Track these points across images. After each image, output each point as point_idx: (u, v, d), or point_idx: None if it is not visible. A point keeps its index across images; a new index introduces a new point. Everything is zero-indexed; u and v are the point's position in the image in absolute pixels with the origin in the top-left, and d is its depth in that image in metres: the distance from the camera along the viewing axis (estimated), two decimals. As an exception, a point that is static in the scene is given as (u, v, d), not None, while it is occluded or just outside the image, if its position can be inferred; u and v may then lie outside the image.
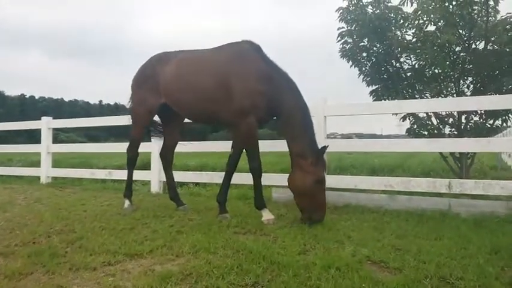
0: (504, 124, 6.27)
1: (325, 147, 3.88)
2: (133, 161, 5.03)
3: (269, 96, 3.99)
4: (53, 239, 3.46)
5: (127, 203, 4.90)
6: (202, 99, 4.27)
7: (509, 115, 6.07)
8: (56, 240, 3.42)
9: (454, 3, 5.78)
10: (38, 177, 8.13)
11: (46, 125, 8.11)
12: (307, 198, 3.84)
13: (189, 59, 4.55)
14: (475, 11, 5.83)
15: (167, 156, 5.13)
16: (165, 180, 6.44)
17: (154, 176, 6.58)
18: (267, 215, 4.07)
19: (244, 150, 4.33)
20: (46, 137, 8.08)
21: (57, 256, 2.97)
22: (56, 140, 8.84)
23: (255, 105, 3.98)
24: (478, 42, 6.03)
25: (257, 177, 4.17)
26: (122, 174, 7.63)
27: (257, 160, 4.11)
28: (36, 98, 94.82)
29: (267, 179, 5.63)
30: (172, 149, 5.14)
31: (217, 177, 6.35)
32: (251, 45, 4.25)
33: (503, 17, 5.90)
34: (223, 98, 4.08)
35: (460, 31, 6.04)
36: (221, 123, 4.62)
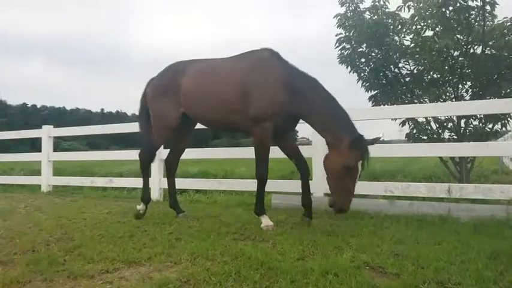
0: (504, 128, 6.27)
1: (362, 136, 3.72)
2: (146, 165, 4.97)
3: (290, 103, 3.95)
4: (52, 247, 3.46)
5: (142, 206, 4.82)
6: (223, 109, 4.24)
7: (509, 119, 6.08)
8: (55, 248, 3.42)
9: (450, 8, 5.82)
10: (39, 186, 8.15)
11: (47, 133, 8.14)
12: (335, 181, 3.74)
13: (210, 69, 4.51)
14: (472, 16, 5.86)
15: (173, 164, 5.09)
16: (164, 187, 6.47)
17: (154, 183, 6.59)
18: (266, 222, 4.07)
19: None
20: (47, 145, 8.11)
21: (55, 264, 2.96)
22: (58, 148, 8.88)
23: (273, 113, 3.96)
24: (476, 46, 6.06)
25: (261, 183, 4.17)
26: (123, 182, 7.69)
27: (264, 167, 4.12)
28: (38, 106, 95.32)
29: (266, 185, 5.65)
30: (179, 156, 5.11)
31: (217, 184, 6.39)
32: (270, 52, 4.22)
33: (500, 22, 5.94)
34: (243, 108, 4.05)
35: (458, 36, 6.07)
36: (242, 131, 4.57)
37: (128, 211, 5.30)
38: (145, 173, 4.96)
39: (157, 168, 6.56)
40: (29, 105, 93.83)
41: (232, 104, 4.13)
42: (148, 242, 3.58)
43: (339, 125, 3.81)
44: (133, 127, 6.38)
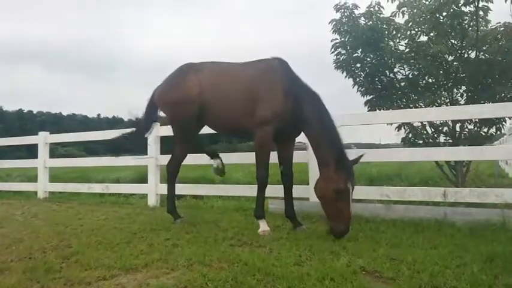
0: (498, 132, 6.31)
1: (343, 153, 3.83)
2: (174, 175, 4.99)
3: (293, 112, 4.09)
4: (49, 255, 3.46)
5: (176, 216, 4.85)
6: (234, 112, 4.38)
7: (503, 123, 6.13)
8: (52, 255, 3.42)
9: (444, 14, 5.87)
10: (36, 192, 8.13)
11: (43, 140, 8.14)
12: (327, 207, 3.82)
13: (223, 72, 4.65)
14: (466, 21, 5.91)
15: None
16: (161, 193, 6.47)
17: (151, 190, 6.59)
18: (263, 227, 4.11)
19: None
20: (43, 151, 8.11)
21: (52, 271, 2.97)
22: (54, 154, 8.86)
23: (275, 118, 4.08)
24: (470, 51, 6.10)
25: (261, 186, 4.23)
26: (119, 188, 7.68)
27: (264, 170, 4.19)
28: (35, 112, 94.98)
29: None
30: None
31: (214, 189, 6.39)
32: (279, 61, 4.40)
33: (493, 27, 5.99)
34: (251, 111, 4.20)
35: (452, 41, 6.12)
36: (249, 135, 4.61)
37: (124, 217, 5.31)
38: (171, 183, 4.99)
39: (153, 174, 6.57)
40: (25, 111, 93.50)
41: (242, 107, 4.29)
42: (145, 248, 3.58)
43: (328, 145, 3.91)
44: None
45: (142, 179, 6.97)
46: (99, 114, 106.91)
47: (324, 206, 3.87)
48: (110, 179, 10.39)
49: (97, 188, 7.67)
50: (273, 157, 4.45)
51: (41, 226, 4.83)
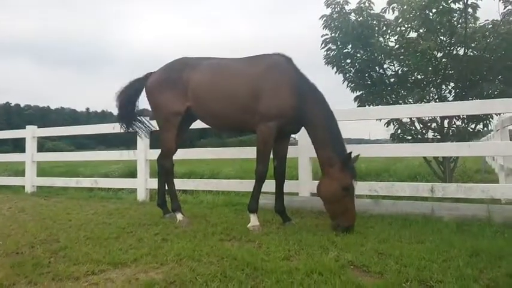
0: (485, 128, 6.40)
1: (350, 154, 3.89)
2: (170, 170, 4.80)
3: (298, 108, 4.08)
4: (37, 249, 3.43)
5: (180, 216, 4.58)
6: (235, 108, 4.30)
7: (490, 119, 6.21)
8: (40, 250, 3.39)
9: (434, 10, 5.91)
10: (23, 187, 8.05)
11: (31, 134, 8.05)
12: (335, 205, 3.87)
13: (223, 68, 4.54)
14: (455, 18, 5.96)
15: (170, 163, 4.92)
16: (151, 187, 6.45)
17: (140, 184, 6.56)
18: (253, 221, 4.10)
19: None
20: (31, 146, 8.02)
21: (40, 266, 2.94)
22: (42, 148, 8.77)
23: (280, 114, 4.08)
24: (459, 48, 6.16)
25: (258, 180, 4.21)
26: (108, 183, 7.64)
27: (264, 165, 4.16)
28: (22, 106, 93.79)
29: (253, 185, 5.67)
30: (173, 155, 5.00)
31: (204, 184, 6.39)
32: (283, 58, 4.36)
33: (481, 24, 6.06)
34: (254, 107, 4.16)
35: (441, 38, 6.18)
36: (250, 130, 4.56)
37: (113, 212, 5.28)
38: (170, 178, 4.81)
39: (143, 168, 6.54)
40: (12, 105, 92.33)
41: (245, 104, 4.22)
42: (134, 243, 3.57)
43: (332, 145, 3.97)
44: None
45: (132, 173, 6.93)
46: (88, 108, 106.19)
47: (330, 204, 3.91)
48: (99, 173, 10.32)
49: (86, 182, 7.61)
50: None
51: (28, 221, 4.78)
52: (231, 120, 4.48)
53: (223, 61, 4.66)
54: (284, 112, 4.08)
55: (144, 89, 4.88)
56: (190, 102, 4.53)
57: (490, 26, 5.95)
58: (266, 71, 4.25)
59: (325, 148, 3.99)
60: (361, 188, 5.02)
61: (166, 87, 4.65)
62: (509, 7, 5.73)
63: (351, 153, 3.88)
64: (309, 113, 4.08)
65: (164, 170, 4.81)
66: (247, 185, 5.66)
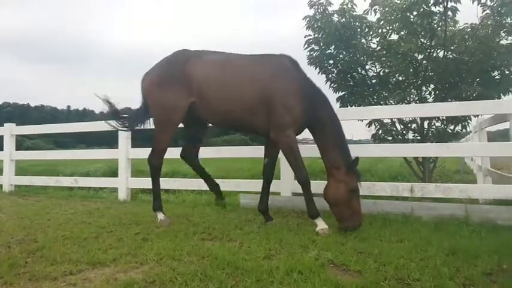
0: (464, 130, 6.52)
1: (357, 158, 3.96)
2: (159, 170, 4.63)
3: (307, 112, 4.08)
4: (13, 249, 3.36)
5: (161, 215, 4.47)
6: (243, 109, 4.17)
7: (469, 121, 6.34)
8: (16, 250, 3.33)
9: (415, 13, 6.00)
10: (1, 186, 7.88)
11: (9, 131, 7.89)
12: (343, 208, 3.88)
13: (230, 63, 4.36)
14: (435, 21, 6.05)
15: (194, 158, 4.89)
16: (132, 187, 6.39)
17: (121, 183, 6.49)
18: (321, 225, 3.93)
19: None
20: (9, 144, 7.86)
21: (16, 267, 2.89)
22: (21, 146, 8.60)
23: (295, 121, 4.06)
24: (439, 50, 6.26)
25: (305, 187, 4.07)
26: (89, 182, 7.53)
27: (302, 170, 4.06)
28: (1, 103, 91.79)
29: (235, 185, 5.68)
30: (197, 151, 5.00)
31: (186, 183, 6.34)
32: (291, 60, 4.32)
33: (461, 27, 6.18)
34: (264, 112, 4.10)
35: (422, 40, 6.27)
36: (259, 134, 4.51)
37: (93, 211, 5.22)
38: (156, 178, 4.65)
39: (124, 167, 6.47)
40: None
41: (253, 106, 4.13)
42: (114, 242, 3.54)
43: (339, 147, 4.02)
44: (102, 125, 6.24)
45: (115, 173, 6.84)
46: (69, 106, 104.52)
47: (338, 208, 3.92)
48: (79, 172, 10.17)
49: (66, 181, 7.49)
50: (253, 152, 4.37)
51: (5, 220, 4.69)
52: (238, 120, 4.30)
53: (231, 57, 4.45)
54: (297, 118, 4.06)
55: (141, 89, 4.64)
56: (195, 98, 4.28)
57: (469, 30, 6.07)
58: (275, 76, 4.17)
59: (332, 150, 4.03)
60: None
61: (168, 82, 4.35)
62: (488, 11, 5.86)
63: (357, 158, 3.96)
64: (316, 116, 4.11)
65: (153, 169, 4.61)
66: (230, 185, 5.67)
